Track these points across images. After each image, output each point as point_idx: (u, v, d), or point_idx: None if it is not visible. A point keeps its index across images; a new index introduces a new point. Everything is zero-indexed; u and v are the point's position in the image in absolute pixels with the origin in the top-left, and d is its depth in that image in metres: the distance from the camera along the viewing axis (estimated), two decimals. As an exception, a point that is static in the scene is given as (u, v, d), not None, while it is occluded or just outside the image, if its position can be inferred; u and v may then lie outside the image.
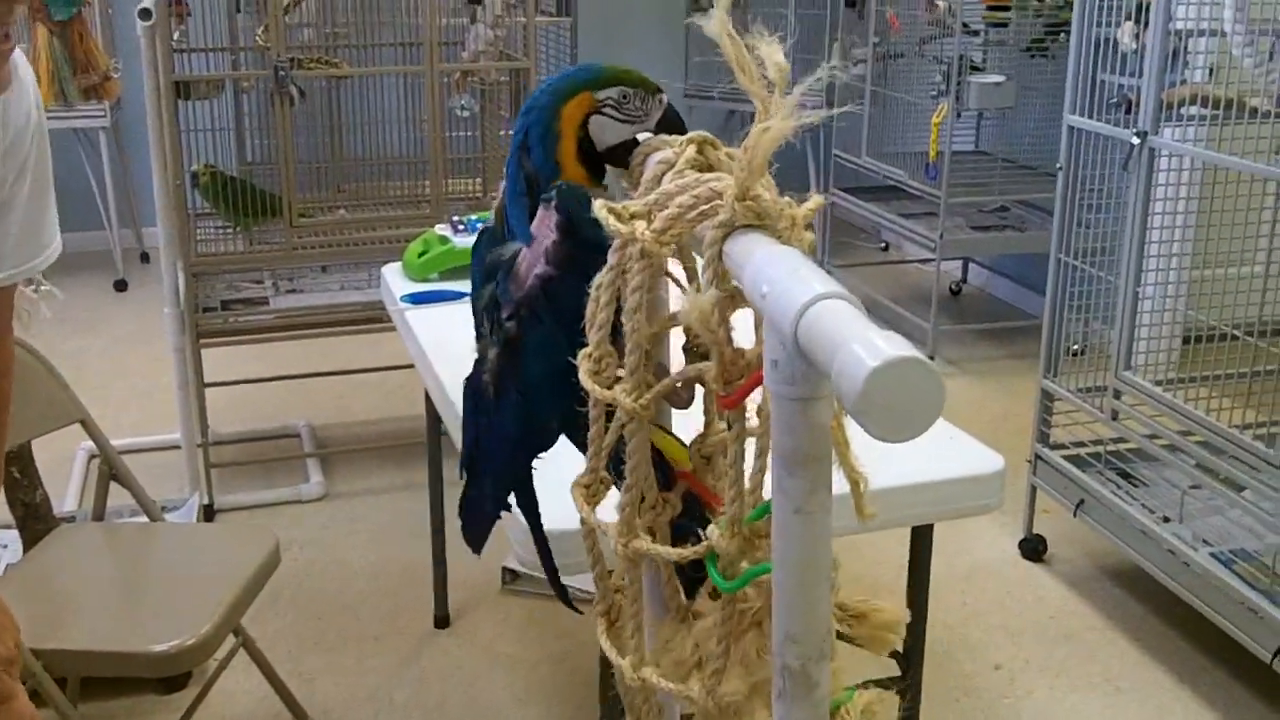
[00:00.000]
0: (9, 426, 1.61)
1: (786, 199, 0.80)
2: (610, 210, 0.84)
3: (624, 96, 1.07)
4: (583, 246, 1.02)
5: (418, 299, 2.57)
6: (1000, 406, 4.27)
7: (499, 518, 1.23)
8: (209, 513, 3.43)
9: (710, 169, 0.98)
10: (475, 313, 1.17)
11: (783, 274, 0.72)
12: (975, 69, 4.49)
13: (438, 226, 2.80)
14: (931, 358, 4.54)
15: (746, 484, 0.84)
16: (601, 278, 0.90)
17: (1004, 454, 1.85)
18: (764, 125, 0.76)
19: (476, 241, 1.19)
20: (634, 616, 0.90)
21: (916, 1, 4.67)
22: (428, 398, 2.59)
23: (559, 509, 1.61)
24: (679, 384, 0.91)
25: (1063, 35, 4.44)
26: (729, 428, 0.82)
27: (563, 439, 1.15)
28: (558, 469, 1.72)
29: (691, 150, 0.98)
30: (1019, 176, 4.73)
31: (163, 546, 2.48)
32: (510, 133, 3.77)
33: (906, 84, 4.93)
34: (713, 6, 0.84)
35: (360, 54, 3.99)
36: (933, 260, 4.62)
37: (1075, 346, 3.28)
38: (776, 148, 0.77)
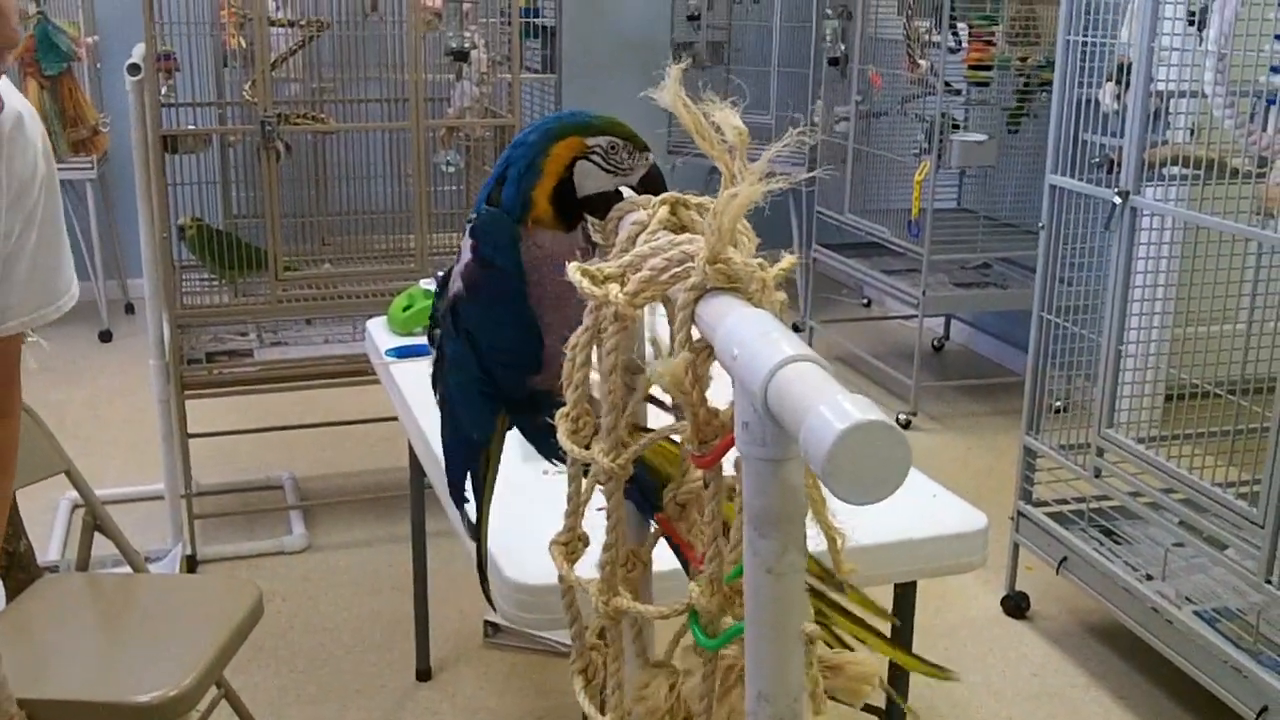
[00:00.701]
0: (13, 474, 1.60)
1: (759, 260, 0.81)
2: (584, 273, 0.85)
3: (612, 147, 1.08)
4: (488, 271, 1.10)
5: (402, 353, 2.58)
6: (983, 463, 4.27)
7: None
8: (191, 563, 3.41)
9: (684, 229, 0.99)
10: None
11: (753, 336, 0.72)
12: (957, 127, 4.54)
13: (422, 281, 2.81)
14: (914, 414, 4.57)
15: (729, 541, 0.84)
16: (577, 338, 0.90)
17: (987, 510, 1.86)
18: (732, 191, 0.77)
19: None
20: (615, 674, 0.90)
21: (898, 60, 4.73)
22: (411, 450, 2.59)
23: (539, 563, 1.63)
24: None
25: (1043, 94, 4.49)
26: (705, 485, 0.82)
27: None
28: (538, 525, 1.73)
29: (664, 211, 0.99)
30: (1001, 234, 4.77)
31: (146, 597, 2.47)
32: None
33: (889, 142, 4.98)
34: (696, 62, 0.85)
35: (346, 109, 4.02)
36: (915, 317, 4.65)
37: (1058, 403, 3.29)
38: (745, 212, 0.78)
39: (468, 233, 1.12)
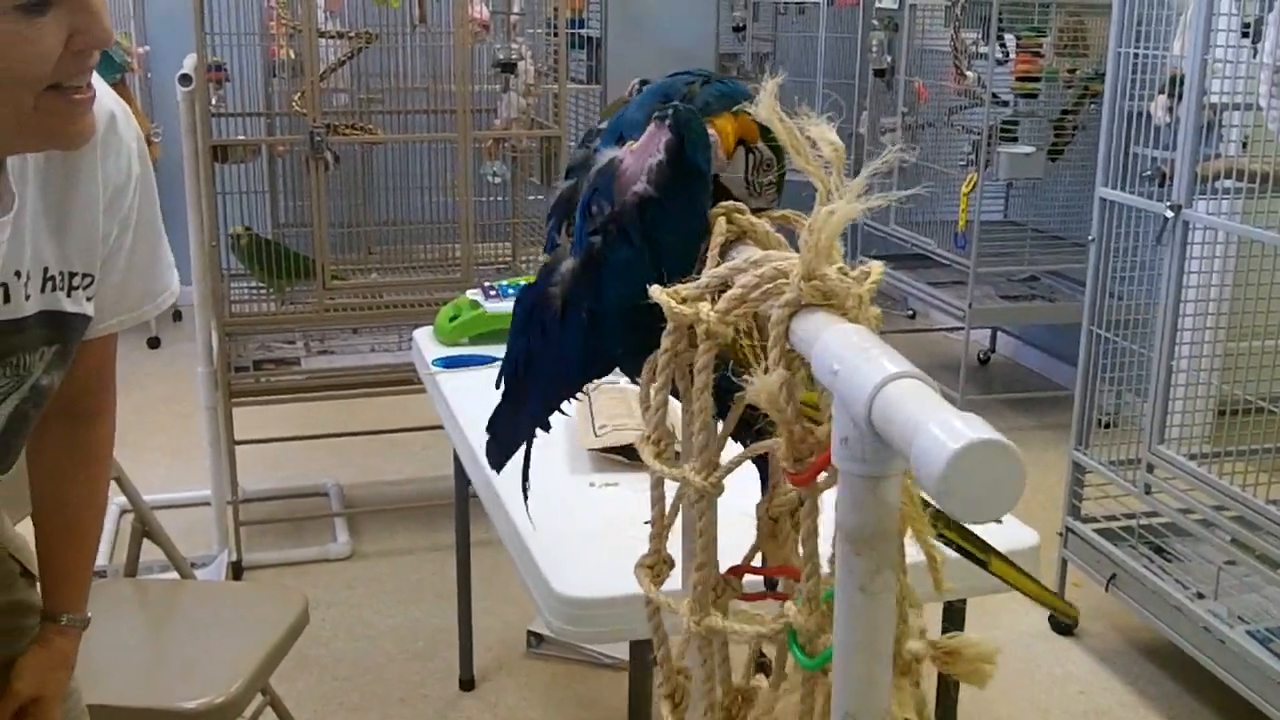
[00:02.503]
0: (108, 474, 1.60)
1: (853, 275, 0.80)
2: (669, 294, 0.85)
3: (766, 165, 1.07)
4: (687, 173, 1.00)
5: (449, 363, 2.58)
6: (1031, 478, 4.17)
7: (532, 439, 1.22)
8: (237, 570, 3.43)
9: (742, 235, 0.99)
10: (551, 214, 1.14)
11: (853, 352, 0.72)
12: (1007, 136, 4.51)
13: (469, 292, 2.81)
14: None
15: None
16: (657, 359, 0.90)
17: (1034, 526, 1.83)
18: (830, 208, 0.77)
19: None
20: (707, 694, 0.90)
21: (945, 72, 4.71)
22: (456, 459, 2.59)
23: (587, 577, 1.63)
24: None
25: (1092, 106, 4.46)
26: (801, 503, 0.82)
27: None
28: (586, 539, 1.72)
29: (722, 222, 0.99)
30: (1049, 246, 4.73)
31: (194, 604, 2.48)
32: (539, 197, 3.80)
33: (935, 154, 4.96)
34: (741, 74, 0.84)
35: (393, 120, 4.04)
36: (961, 329, 4.62)
37: (1106, 418, 3.27)
38: (843, 229, 0.78)
39: (663, 127, 1.01)
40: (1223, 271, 3.12)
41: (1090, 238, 3.16)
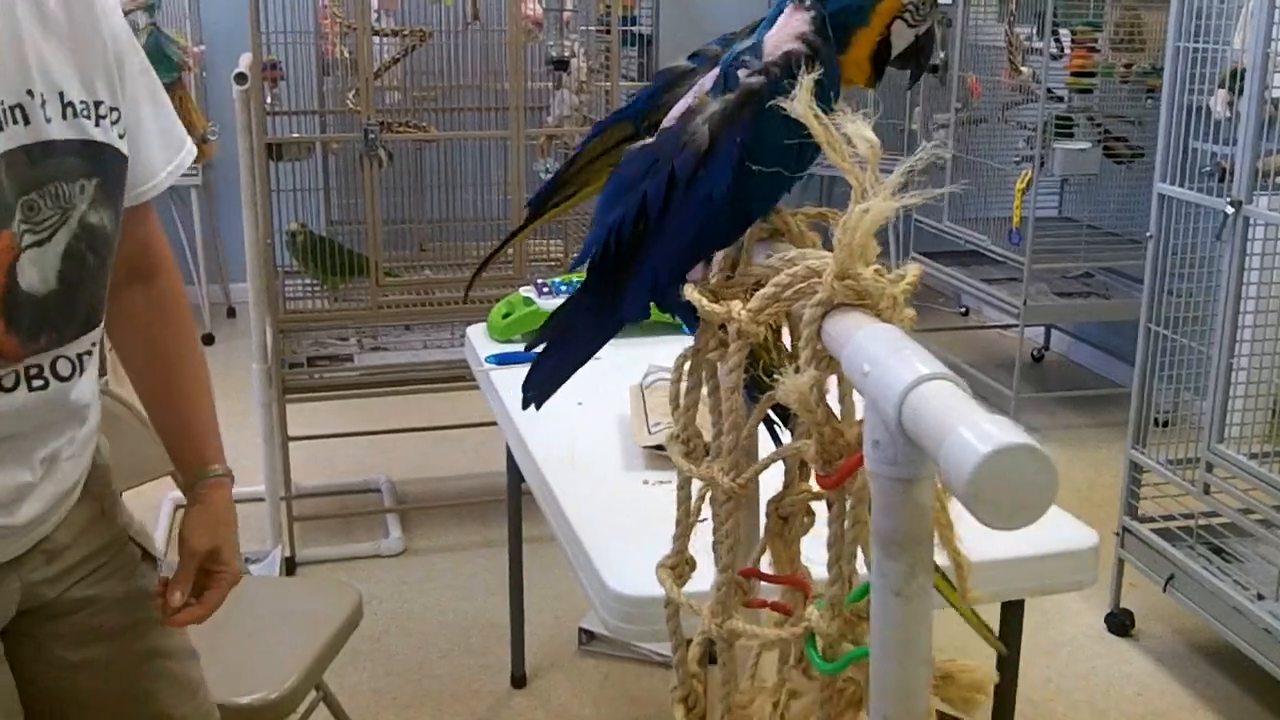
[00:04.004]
0: (191, 328, 1.59)
1: (889, 276, 0.79)
2: (701, 291, 0.84)
3: (922, 2, 1.09)
4: (826, 41, 1.03)
5: (502, 360, 2.58)
6: (1085, 477, 4.19)
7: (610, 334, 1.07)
8: (290, 565, 3.46)
9: (777, 233, 0.98)
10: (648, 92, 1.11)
11: (885, 353, 0.71)
12: (1062, 132, 4.45)
13: (522, 289, 2.82)
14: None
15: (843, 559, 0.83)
16: (685, 356, 0.90)
17: (1091, 525, 1.81)
18: (864, 206, 0.76)
19: None
20: (726, 698, 0.89)
21: (999, 67, 4.66)
22: (509, 455, 2.59)
23: (642, 575, 1.62)
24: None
25: (1149, 101, 4.40)
26: (829, 506, 0.81)
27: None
28: (641, 536, 1.72)
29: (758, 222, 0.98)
30: (1104, 243, 4.67)
31: (248, 599, 2.49)
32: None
33: (989, 149, 4.90)
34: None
35: (446, 118, 4.05)
36: (1015, 326, 4.57)
37: (1163, 416, 3.22)
38: (878, 228, 0.77)
39: (803, 7, 1.03)
40: (1284, 268, 3.06)
41: (1148, 234, 3.11)
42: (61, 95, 1.23)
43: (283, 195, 3.56)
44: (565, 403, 1.19)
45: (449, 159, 4.05)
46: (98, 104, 1.27)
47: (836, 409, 0.86)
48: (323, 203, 4.04)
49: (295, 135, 3.80)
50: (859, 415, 0.80)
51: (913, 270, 0.81)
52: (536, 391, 1.11)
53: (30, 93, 1.20)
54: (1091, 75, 4.45)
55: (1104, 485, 3.96)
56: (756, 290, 0.87)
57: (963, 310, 6.02)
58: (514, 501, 2.86)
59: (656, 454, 1.99)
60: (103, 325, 1.36)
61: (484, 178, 4.02)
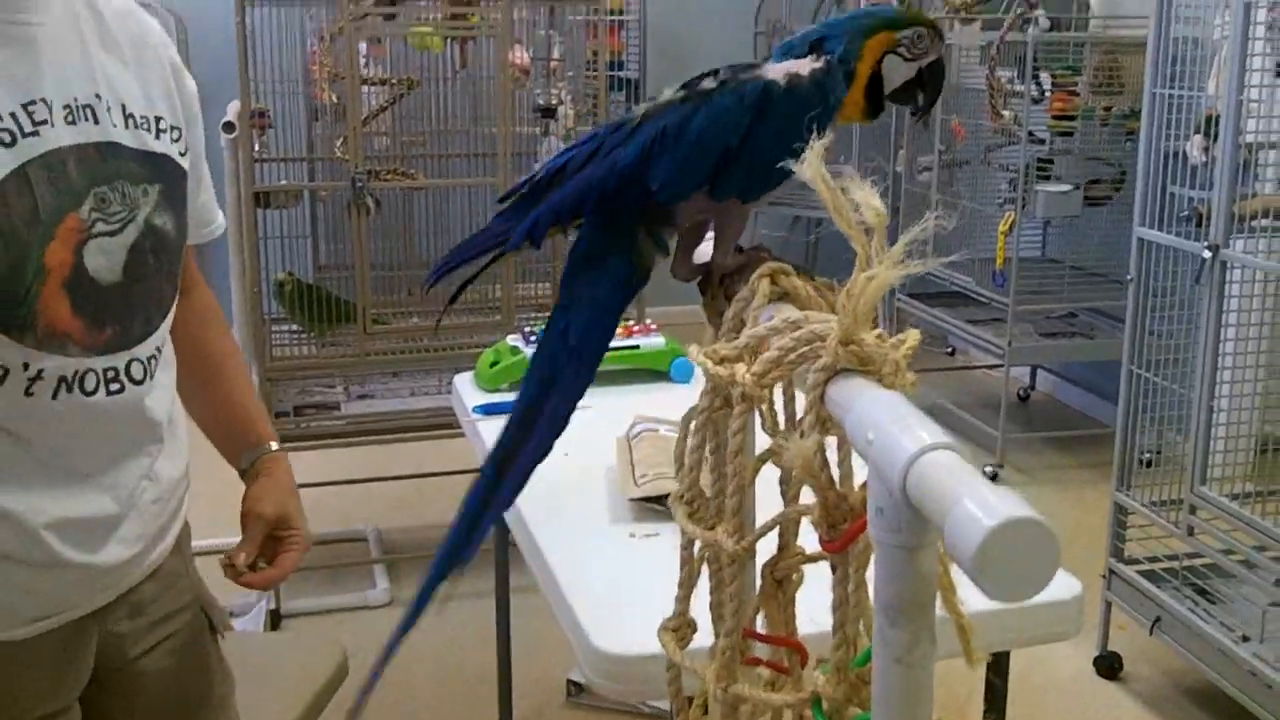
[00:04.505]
0: (228, 337, 1.69)
1: (890, 341, 0.81)
2: (706, 354, 0.86)
3: (918, 37, 1.11)
4: (811, 96, 1.06)
5: (489, 410, 2.59)
6: (1072, 517, 4.21)
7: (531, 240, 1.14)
8: (275, 618, 3.45)
9: (785, 296, 0.99)
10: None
11: (889, 421, 0.72)
12: (1044, 174, 4.49)
13: (509, 338, 2.83)
14: (1001, 466, 4.51)
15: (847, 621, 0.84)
16: (691, 418, 0.91)
17: (1077, 568, 1.81)
18: (869, 274, 0.77)
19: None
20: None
21: (981, 110, 4.71)
22: (498, 506, 2.59)
23: (628, 632, 1.62)
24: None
25: (1128, 144, 4.45)
26: (833, 569, 0.82)
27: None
28: (627, 592, 1.72)
29: (766, 284, 0.99)
30: (1087, 283, 4.71)
31: (232, 656, 2.48)
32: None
33: (972, 191, 4.95)
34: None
35: (434, 163, 4.07)
36: (1000, 366, 4.60)
37: (1147, 455, 3.24)
38: (881, 296, 0.79)
39: (818, 59, 1.09)
40: (1262, 310, 3.10)
41: (1129, 277, 3.15)
42: (124, 106, 1.32)
43: (270, 242, 3.57)
44: (551, 455, 1.20)
45: (438, 205, 4.07)
46: (158, 119, 1.36)
47: (835, 471, 0.87)
48: (310, 248, 4.05)
49: (283, 183, 3.81)
50: (859, 476, 0.82)
51: (913, 336, 0.82)
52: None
53: (98, 95, 1.29)
54: (1072, 119, 4.50)
55: (1091, 526, 3.97)
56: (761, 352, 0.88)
57: (949, 350, 6.05)
58: (501, 551, 2.86)
59: (643, 506, 2.00)
60: (166, 334, 1.42)
61: (473, 223, 4.04)
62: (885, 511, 0.72)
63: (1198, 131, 3.05)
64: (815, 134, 0.84)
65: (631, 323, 2.76)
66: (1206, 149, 3.02)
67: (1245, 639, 2.84)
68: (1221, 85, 2.89)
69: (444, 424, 3.43)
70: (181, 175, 1.39)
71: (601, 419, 2.11)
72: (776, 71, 1.08)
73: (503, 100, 3.44)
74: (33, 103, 1.22)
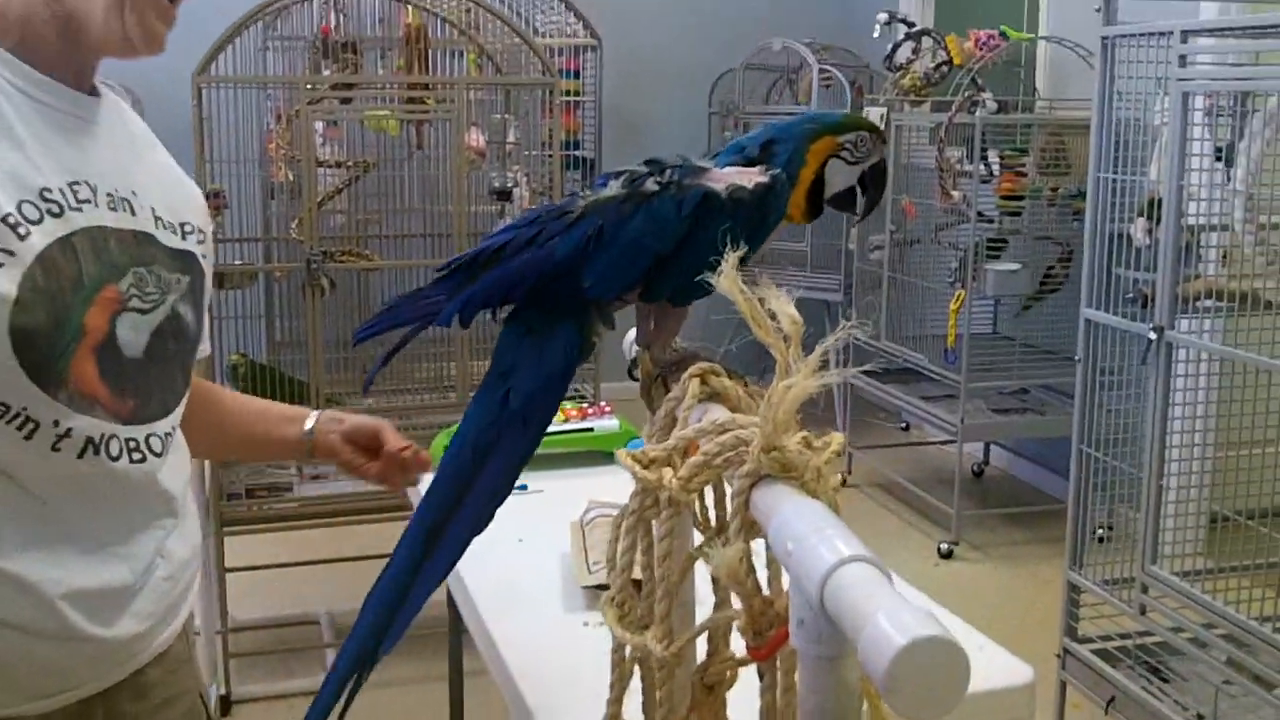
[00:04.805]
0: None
1: (816, 444, 0.82)
2: (633, 458, 0.86)
3: (861, 141, 1.14)
4: (765, 201, 1.11)
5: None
6: (1027, 593, 4.22)
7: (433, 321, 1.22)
8: (226, 704, 3.40)
9: (715, 396, 1.01)
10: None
11: (808, 531, 0.73)
12: (993, 253, 4.56)
13: (463, 417, 2.83)
14: (956, 543, 4.53)
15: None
16: (622, 520, 0.91)
17: (1032, 646, 1.82)
18: (788, 383, 0.79)
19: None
20: None
21: (931, 190, 4.78)
22: (449, 591, 2.58)
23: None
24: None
25: (1075, 223, 4.52)
26: (760, 675, 0.82)
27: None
28: (581, 683, 1.71)
29: (696, 384, 1.01)
30: (1038, 360, 4.77)
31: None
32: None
33: (923, 269, 5.01)
34: None
35: (390, 243, 4.09)
36: (954, 442, 4.63)
37: (1100, 531, 3.26)
38: (800, 403, 0.80)
39: (764, 171, 1.13)
40: (1208, 389, 3.14)
41: (1076, 358, 3.19)
42: (153, 209, 1.40)
43: (225, 322, 3.56)
44: (505, 540, 1.21)
45: (393, 284, 4.08)
46: (183, 224, 1.44)
47: (765, 572, 0.88)
48: (265, 326, 4.04)
49: (238, 263, 3.81)
50: (787, 581, 0.82)
51: (836, 440, 0.83)
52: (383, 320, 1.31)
53: (134, 193, 1.38)
54: (1020, 199, 4.58)
55: (1045, 603, 3.99)
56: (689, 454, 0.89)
57: (903, 425, 6.09)
58: (455, 635, 2.84)
59: (596, 594, 1.98)
60: (178, 420, 1.45)
61: (427, 304, 4.04)
62: (806, 622, 0.73)
63: (1141, 214, 3.10)
64: (737, 246, 0.86)
65: (586, 404, 2.76)
66: (1150, 231, 3.07)
67: (1200, 718, 2.84)
68: (1163, 170, 2.95)
69: (397, 505, 3.41)
70: (203, 274, 1.47)
71: (555, 502, 2.11)
72: (721, 179, 1.10)
73: (458, 183, 3.47)
74: (78, 183, 1.31)
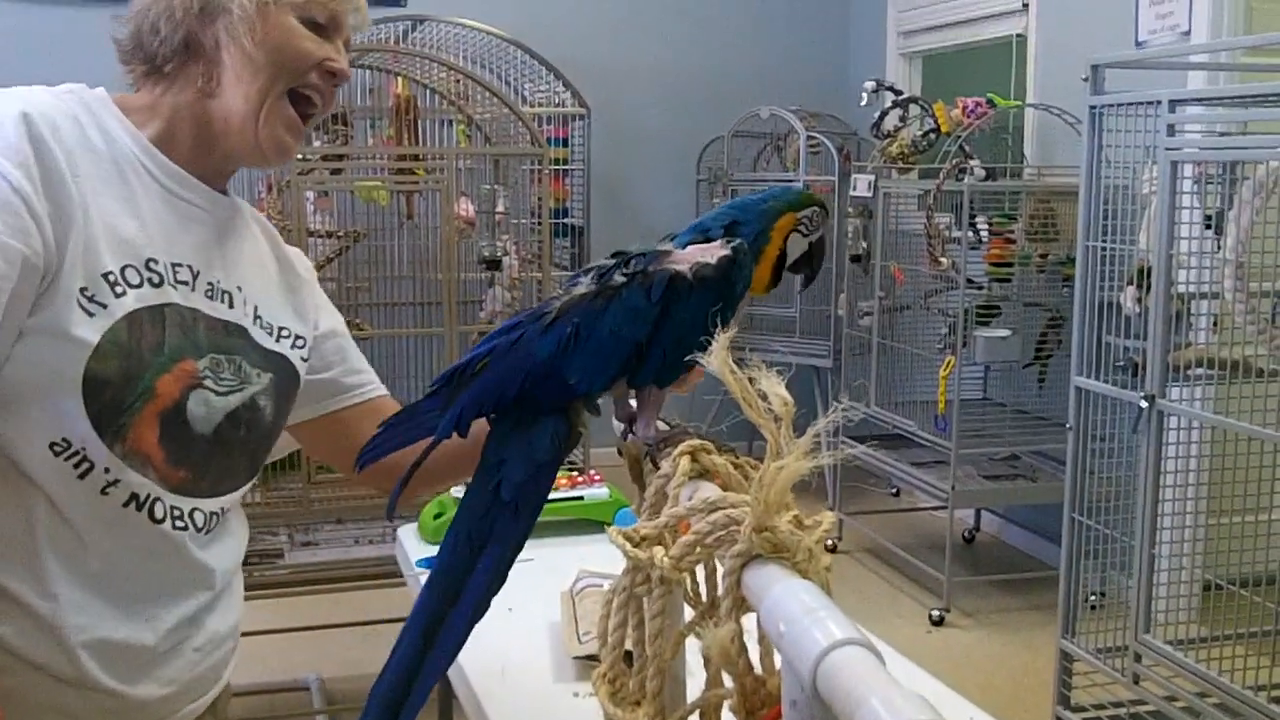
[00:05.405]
0: None
1: (808, 523, 0.82)
2: (624, 536, 0.87)
3: (813, 215, 1.22)
4: (730, 273, 1.15)
5: (433, 563, 2.57)
6: (1020, 662, 4.19)
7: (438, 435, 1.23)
8: (214, 774, 3.35)
9: (705, 473, 1.01)
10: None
11: (800, 613, 0.73)
12: (983, 319, 4.58)
13: (454, 489, 2.82)
14: (947, 610, 4.51)
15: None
16: (614, 596, 0.91)
17: (1025, 714, 1.82)
18: (779, 464, 0.79)
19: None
20: None
21: (920, 256, 4.81)
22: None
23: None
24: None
25: (1065, 290, 4.55)
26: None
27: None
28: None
29: (686, 462, 1.01)
30: (1028, 426, 4.77)
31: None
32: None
33: (912, 336, 5.03)
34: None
35: (381, 312, 4.10)
36: (945, 508, 4.62)
37: (1093, 600, 3.25)
38: (792, 484, 0.80)
39: (726, 245, 1.18)
40: (1200, 456, 3.14)
41: (1068, 426, 3.19)
42: (256, 308, 1.46)
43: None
44: (496, 609, 1.23)
45: (384, 352, 4.09)
46: (282, 328, 1.49)
47: (757, 649, 0.87)
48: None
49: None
50: (778, 659, 0.82)
51: (827, 519, 0.84)
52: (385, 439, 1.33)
53: (239, 289, 1.44)
54: (1009, 265, 4.60)
55: (1038, 670, 3.96)
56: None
57: (894, 491, 6.08)
58: (444, 701, 2.81)
59: (587, 665, 1.98)
60: (234, 504, 1.48)
61: (419, 368, 4.05)
62: (799, 704, 0.73)
63: (1130, 282, 3.12)
64: (721, 325, 0.87)
65: (575, 473, 2.76)
66: (1139, 299, 3.09)
67: (1194, 788, 2.82)
68: (1152, 238, 2.97)
69: (388, 573, 3.40)
70: (294, 376, 1.51)
71: (545, 572, 2.10)
72: (684, 260, 1.14)
73: (448, 252, 3.49)
74: (181, 265, 1.37)
